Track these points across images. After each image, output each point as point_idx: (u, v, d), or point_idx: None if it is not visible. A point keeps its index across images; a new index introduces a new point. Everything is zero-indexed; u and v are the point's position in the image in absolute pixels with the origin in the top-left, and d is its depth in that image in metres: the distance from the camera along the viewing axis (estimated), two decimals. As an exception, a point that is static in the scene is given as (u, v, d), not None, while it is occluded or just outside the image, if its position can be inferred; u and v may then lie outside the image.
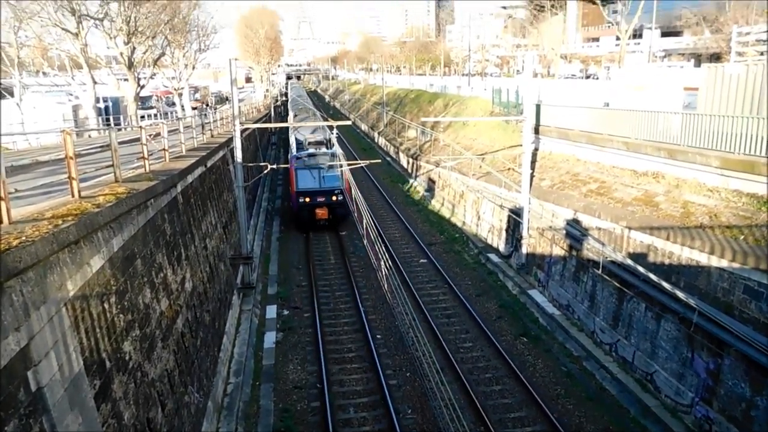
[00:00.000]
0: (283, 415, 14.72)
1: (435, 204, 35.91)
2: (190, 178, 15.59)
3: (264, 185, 40.37)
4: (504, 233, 26.03)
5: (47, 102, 44.32)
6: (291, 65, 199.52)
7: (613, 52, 73.71)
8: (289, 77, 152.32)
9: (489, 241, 27.63)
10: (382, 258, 19.04)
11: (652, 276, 14.92)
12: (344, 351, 18.18)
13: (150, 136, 14.09)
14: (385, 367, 16.92)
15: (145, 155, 12.66)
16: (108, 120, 42.14)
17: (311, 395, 15.69)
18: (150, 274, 10.35)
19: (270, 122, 56.97)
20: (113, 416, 7.39)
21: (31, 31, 35.15)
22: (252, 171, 25.97)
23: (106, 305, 7.89)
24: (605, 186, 20.26)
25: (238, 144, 21.45)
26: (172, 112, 55.40)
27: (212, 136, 25.66)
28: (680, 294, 13.89)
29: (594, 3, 73.03)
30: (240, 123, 21.61)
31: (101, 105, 44.51)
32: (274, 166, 26.51)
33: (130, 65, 38.07)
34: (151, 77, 47.14)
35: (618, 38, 60.00)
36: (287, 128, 45.70)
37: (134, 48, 38.50)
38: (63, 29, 32.66)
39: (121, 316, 8.38)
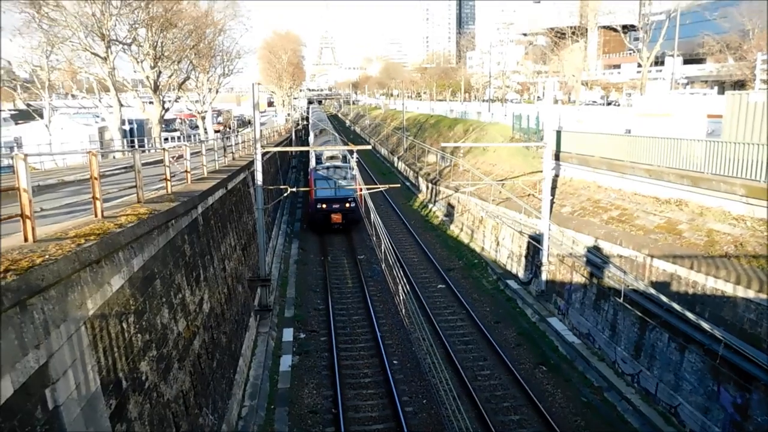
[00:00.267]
0: (297, 440, 14.56)
1: (454, 229, 35.78)
2: (210, 200, 15.75)
3: (283, 208, 40.69)
4: (523, 259, 25.77)
5: (74, 123, 45.51)
6: (312, 90, 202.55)
7: (634, 78, 73.61)
8: (310, 102, 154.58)
9: (508, 267, 27.36)
10: (400, 282, 18.93)
11: (676, 305, 14.60)
12: (360, 376, 17.99)
13: (173, 158, 14.29)
14: (402, 394, 16.67)
15: (168, 177, 12.83)
16: (133, 142, 43.13)
17: (326, 420, 15.51)
18: (168, 294, 10.41)
19: (291, 146, 57.43)
20: (128, 437, 7.36)
21: (62, 54, 36.30)
22: (272, 193, 26.22)
23: (124, 324, 7.94)
24: (627, 213, 20.01)
25: (258, 167, 21.66)
26: (195, 135, 56.36)
27: (234, 158, 26.01)
28: (705, 325, 13.55)
29: (615, 30, 73.25)
30: (261, 146, 21.86)
31: (126, 127, 45.65)
32: (294, 189, 26.74)
33: (156, 88, 39.04)
34: (176, 100, 48.18)
35: (639, 65, 59.93)
36: (307, 151, 46.71)
37: (160, 72, 39.57)
38: (92, 53, 33.69)
39: (138, 335, 8.41)
